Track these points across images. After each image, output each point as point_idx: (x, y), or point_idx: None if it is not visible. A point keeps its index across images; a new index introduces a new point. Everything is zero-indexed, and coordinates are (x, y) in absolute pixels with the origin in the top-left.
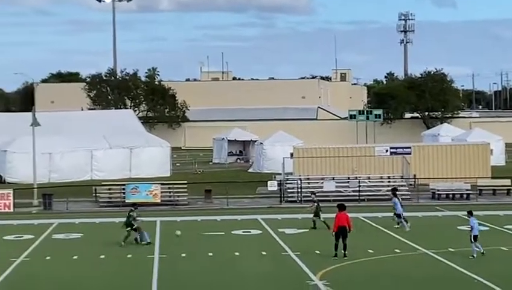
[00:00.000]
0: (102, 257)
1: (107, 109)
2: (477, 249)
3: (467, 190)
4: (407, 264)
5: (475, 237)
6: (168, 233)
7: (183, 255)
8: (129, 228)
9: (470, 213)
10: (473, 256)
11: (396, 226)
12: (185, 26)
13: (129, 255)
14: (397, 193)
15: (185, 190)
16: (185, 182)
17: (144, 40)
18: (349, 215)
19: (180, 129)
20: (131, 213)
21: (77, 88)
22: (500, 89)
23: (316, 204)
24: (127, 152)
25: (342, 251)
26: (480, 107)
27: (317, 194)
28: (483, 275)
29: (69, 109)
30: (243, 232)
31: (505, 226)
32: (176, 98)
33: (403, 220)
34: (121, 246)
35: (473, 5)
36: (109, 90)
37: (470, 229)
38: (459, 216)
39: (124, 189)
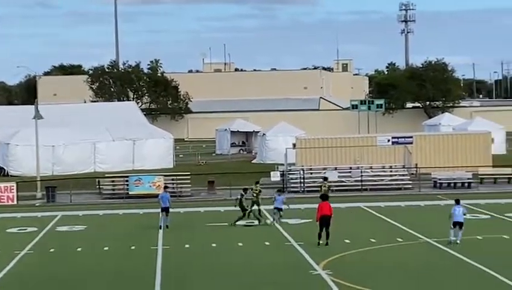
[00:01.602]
0: (106, 248)
1: (110, 101)
2: (454, 238)
3: (468, 178)
4: (409, 253)
5: (454, 223)
6: (172, 224)
7: (187, 246)
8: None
9: (457, 202)
10: (456, 242)
11: None
12: (187, 17)
13: (133, 247)
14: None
15: (188, 181)
16: (188, 173)
17: (146, 32)
18: (352, 204)
19: (183, 121)
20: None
21: (80, 81)
22: (500, 78)
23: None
24: (130, 144)
25: (326, 240)
26: (481, 96)
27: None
28: (484, 263)
29: (72, 101)
30: (246, 223)
31: (506, 214)
32: (179, 90)
33: None
34: (232, 225)
35: None
36: (112, 83)
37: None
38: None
39: (127, 181)
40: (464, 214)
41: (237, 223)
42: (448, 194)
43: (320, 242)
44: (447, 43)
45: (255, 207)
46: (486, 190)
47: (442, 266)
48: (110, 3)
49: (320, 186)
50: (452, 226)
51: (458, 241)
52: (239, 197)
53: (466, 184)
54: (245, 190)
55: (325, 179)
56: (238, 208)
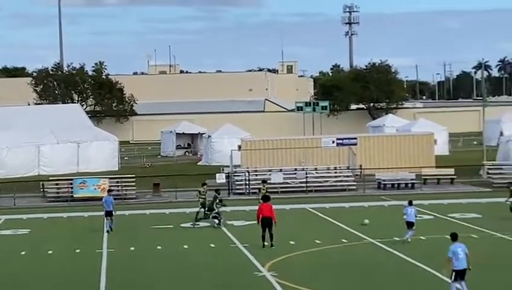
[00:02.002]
0: (50, 252)
1: (54, 104)
2: (407, 236)
3: (412, 179)
4: (354, 254)
5: (408, 223)
6: (117, 227)
7: (132, 249)
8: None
9: (409, 203)
10: (407, 241)
11: None
12: (132, 19)
13: (77, 250)
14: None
15: (133, 183)
16: (133, 175)
17: (90, 34)
18: (297, 206)
19: (128, 123)
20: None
21: (23, 83)
22: (443, 79)
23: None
24: (74, 147)
25: (270, 241)
26: (424, 97)
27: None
28: (428, 263)
29: (16, 104)
30: (192, 225)
31: (449, 215)
32: (124, 92)
33: None
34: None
35: None
36: (56, 85)
37: (404, 216)
38: (405, 205)
39: (71, 184)
40: (416, 215)
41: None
42: (392, 195)
43: (265, 244)
44: (390, 44)
45: (203, 209)
46: (430, 191)
47: (385, 266)
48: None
49: (259, 189)
50: (408, 226)
51: (409, 240)
52: (212, 199)
53: (409, 185)
54: (217, 191)
55: (264, 181)
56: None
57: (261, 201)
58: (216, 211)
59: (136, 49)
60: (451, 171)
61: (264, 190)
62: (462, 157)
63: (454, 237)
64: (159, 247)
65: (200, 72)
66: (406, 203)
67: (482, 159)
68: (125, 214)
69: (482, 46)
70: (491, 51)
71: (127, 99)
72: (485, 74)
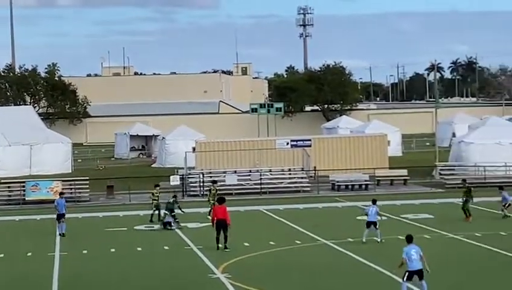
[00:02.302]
0: (1, 255)
1: (6, 106)
2: (364, 240)
3: (366, 180)
4: (307, 255)
5: (368, 223)
6: (70, 230)
7: (85, 251)
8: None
9: (373, 202)
10: (377, 241)
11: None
12: (86, 21)
13: (29, 254)
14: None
15: (87, 186)
16: (87, 178)
17: (43, 36)
18: (251, 207)
19: (82, 125)
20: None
21: None
22: (396, 81)
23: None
24: (26, 149)
25: (224, 243)
26: (378, 99)
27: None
28: (381, 264)
29: None
30: (145, 227)
31: (402, 215)
32: (77, 94)
33: None
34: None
35: None
36: (8, 87)
37: (366, 215)
38: (358, 207)
39: (23, 186)
40: (378, 214)
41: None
42: (346, 196)
43: (220, 246)
44: (344, 46)
45: (157, 212)
46: (383, 192)
47: (338, 267)
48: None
49: (210, 190)
50: (366, 226)
51: (378, 240)
52: (171, 200)
53: (363, 186)
54: (174, 196)
55: (214, 182)
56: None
57: (212, 202)
58: (174, 212)
59: (89, 51)
60: (405, 172)
61: (214, 190)
62: (415, 158)
63: (409, 239)
64: (112, 249)
65: (154, 73)
66: (362, 204)
67: (434, 160)
68: (78, 217)
69: (434, 48)
70: (444, 53)
71: (80, 101)
72: (438, 75)
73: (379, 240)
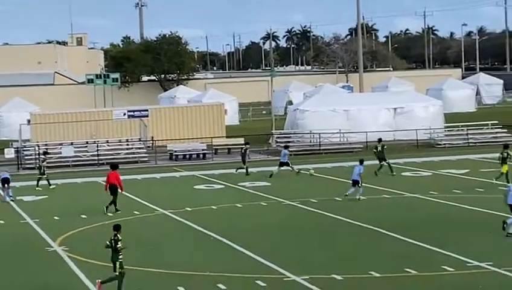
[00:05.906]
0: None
1: None
2: (356, 194)
3: (203, 149)
4: (146, 225)
5: (353, 182)
6: None
7: None
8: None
9: (360, 161)
10: (357, 199)
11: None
12: None
13: None
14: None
15: None
16: None
17: None
18: (88, 179)
19: None
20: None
21: None
22: (233, 50)
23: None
24: None
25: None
26: (215, 68)
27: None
28: (213, 230)
29: None
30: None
31: (239, 184)
32: None
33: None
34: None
35: None
36: None
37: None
38: (197, 176)
39: None
40: (359, 174)
41: None
42: (184, 165)
43: (118, 209)
44: (180, 16)
45: None
46: (221, 160)
47: (178, 236)
48: None
49: (41, 160)
50: (352, 185)
51: (357, 198)
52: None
53: (201, 155)
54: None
55: (45, 153)
56: None
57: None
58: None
59: None
60: (241, 140)
61: (44, 161)
62: (252, 126)
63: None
64: None
65: None
66: (199, 174)
67: (271, 128)
68: None
69: (270, 17)
70: (279, 22)
71: None
72: (273, 44)
73: (357, 197)
